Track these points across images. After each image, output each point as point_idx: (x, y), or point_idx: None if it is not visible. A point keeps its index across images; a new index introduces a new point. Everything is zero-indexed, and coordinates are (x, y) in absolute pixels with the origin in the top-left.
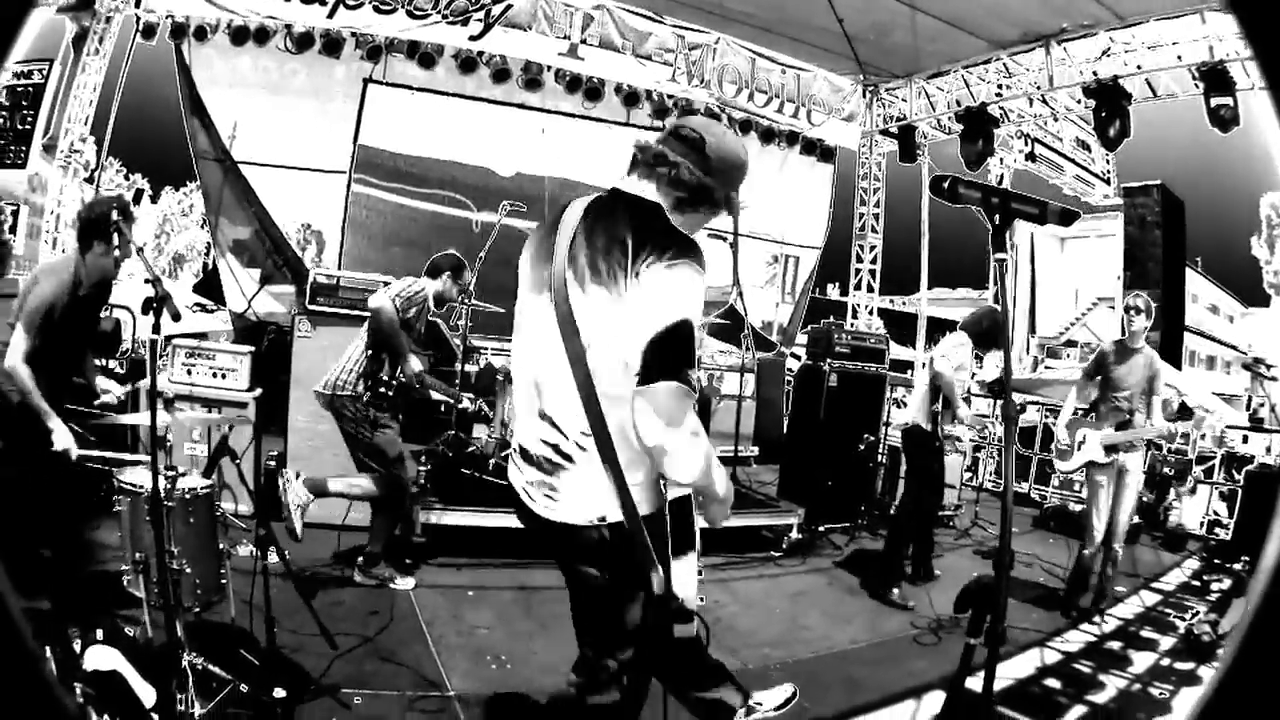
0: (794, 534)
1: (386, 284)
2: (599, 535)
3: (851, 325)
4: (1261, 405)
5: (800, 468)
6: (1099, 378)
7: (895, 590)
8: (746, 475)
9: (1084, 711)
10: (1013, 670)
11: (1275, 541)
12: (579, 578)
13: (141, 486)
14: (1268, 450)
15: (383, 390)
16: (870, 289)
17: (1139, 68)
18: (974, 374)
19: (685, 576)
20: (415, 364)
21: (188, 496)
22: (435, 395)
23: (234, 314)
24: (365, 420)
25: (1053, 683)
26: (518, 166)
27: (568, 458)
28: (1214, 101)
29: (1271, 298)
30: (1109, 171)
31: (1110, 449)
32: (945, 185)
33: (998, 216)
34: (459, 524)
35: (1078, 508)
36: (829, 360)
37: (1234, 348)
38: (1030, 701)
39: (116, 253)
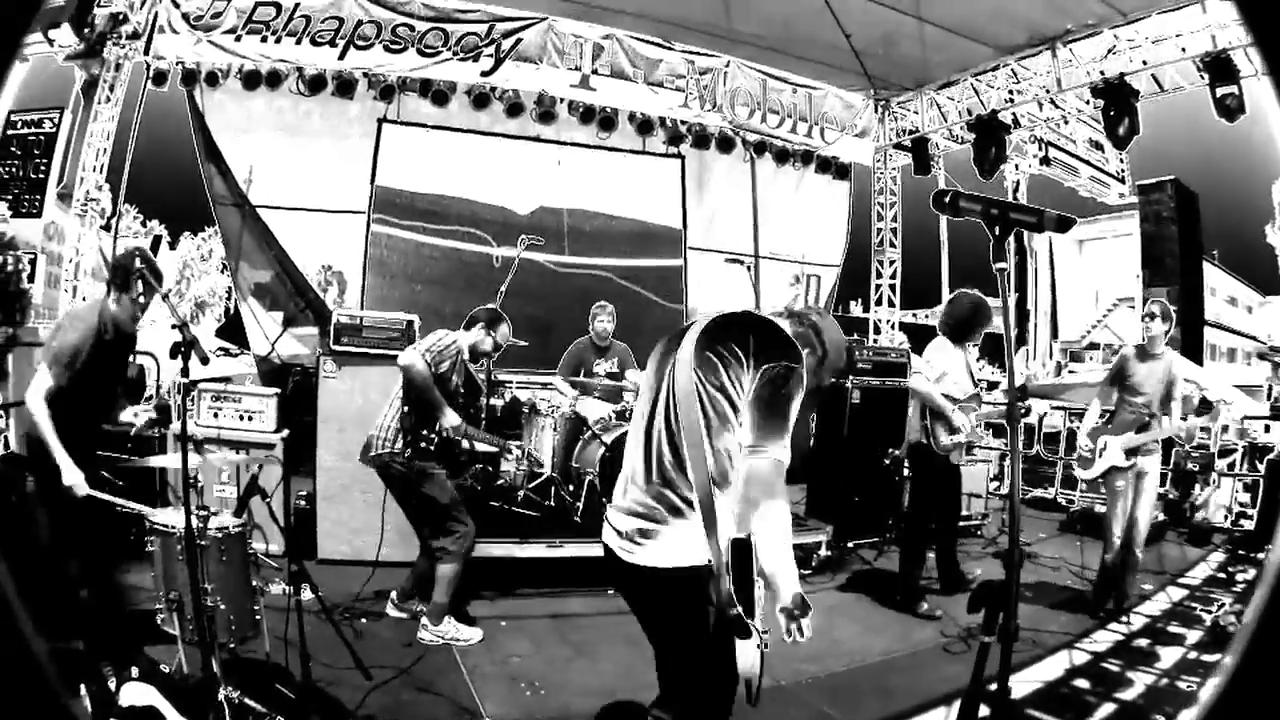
0: (823, 551)
1: (409, 323)
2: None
3: (874, 341)
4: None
5: (826, 485)
6: (1119, 384)
7: (923, 603)
8: None
9: (1113, 709)
10: (1041, 673)
11: (1276, 544)
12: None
13: (173, 527)
14: None
15: (423, 445)
16: (891, 304)
17: (1144, 63)
18: (974, 373)
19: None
20: (452, 418)
21: (220, 535)
22: (480, 446)
23: (258, 357)
24: (412, 474)
25: (1082, 683)
26: (536, 201)
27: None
28: (1219, 91)
29: None
30: (1123, 171)
31: (1130, 452)
32: (946, 200)
33: (998, 228)
34: (490, 555)
35: (1103, 509)
36: (851, 377)
37: (1254, 338)
38: (1060, 701)
39: (141, 299)
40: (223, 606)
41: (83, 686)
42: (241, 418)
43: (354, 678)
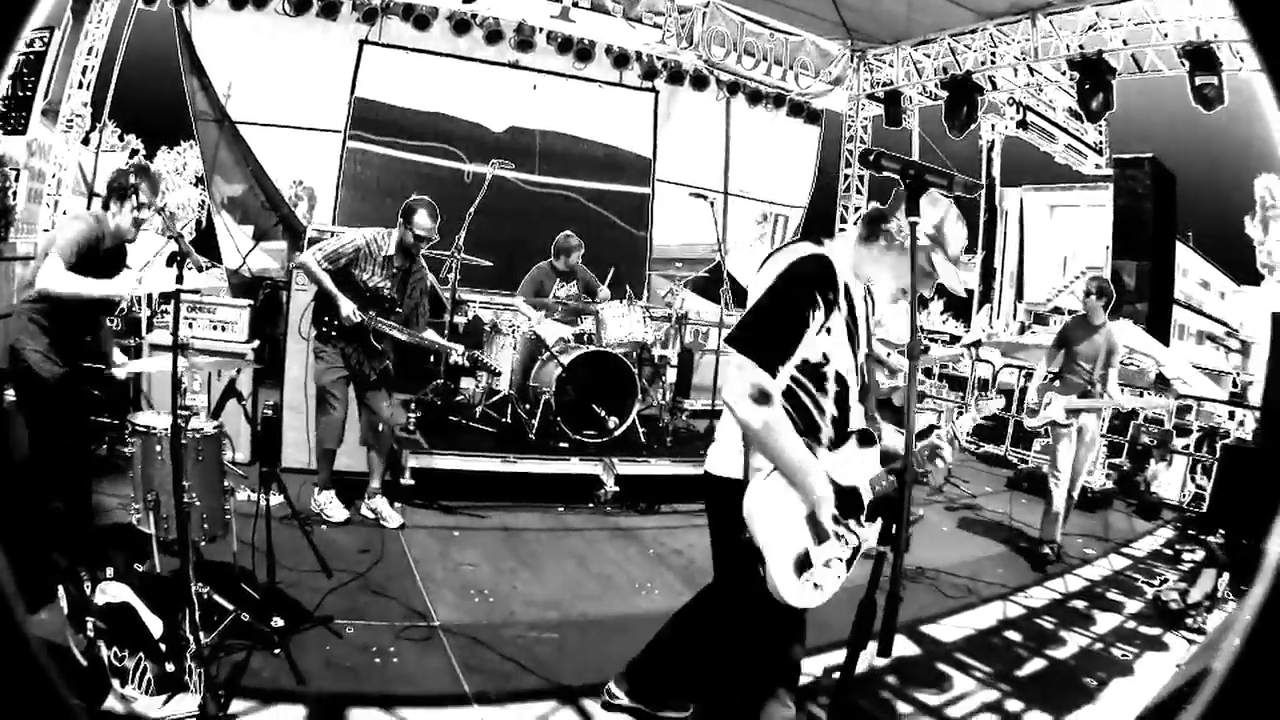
0: None
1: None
2: None
3: None
4: (1247, 382)
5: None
6: (1063, 349)
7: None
8: None
9: (1043, 665)
10: (973, 620)
11: (1277, 541)
12: None
13: (153, 428)
14: (1241, 424)
15: (324, 330)
16: None
17: (1125, 43)
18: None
19: None
20: (345, 308)
21: (197, 436)
22: (402, 338)
23: (229, 270)
24: (313, 357)
25: (1013, 635)
26: (510, 121)
27: None
28: (1198, 80)
29: (1264, 277)
30: (1102, 143)
31: (1071, 413)
32: (871, 158)
33: (913, 185)
34: (446, 468)
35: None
36: None
37: (1224, 324)
38: (989, 650)
39: (137, 213)
40: (198, 504)
41: (60, 589)
42: (215, 328)
43: (313, 580)
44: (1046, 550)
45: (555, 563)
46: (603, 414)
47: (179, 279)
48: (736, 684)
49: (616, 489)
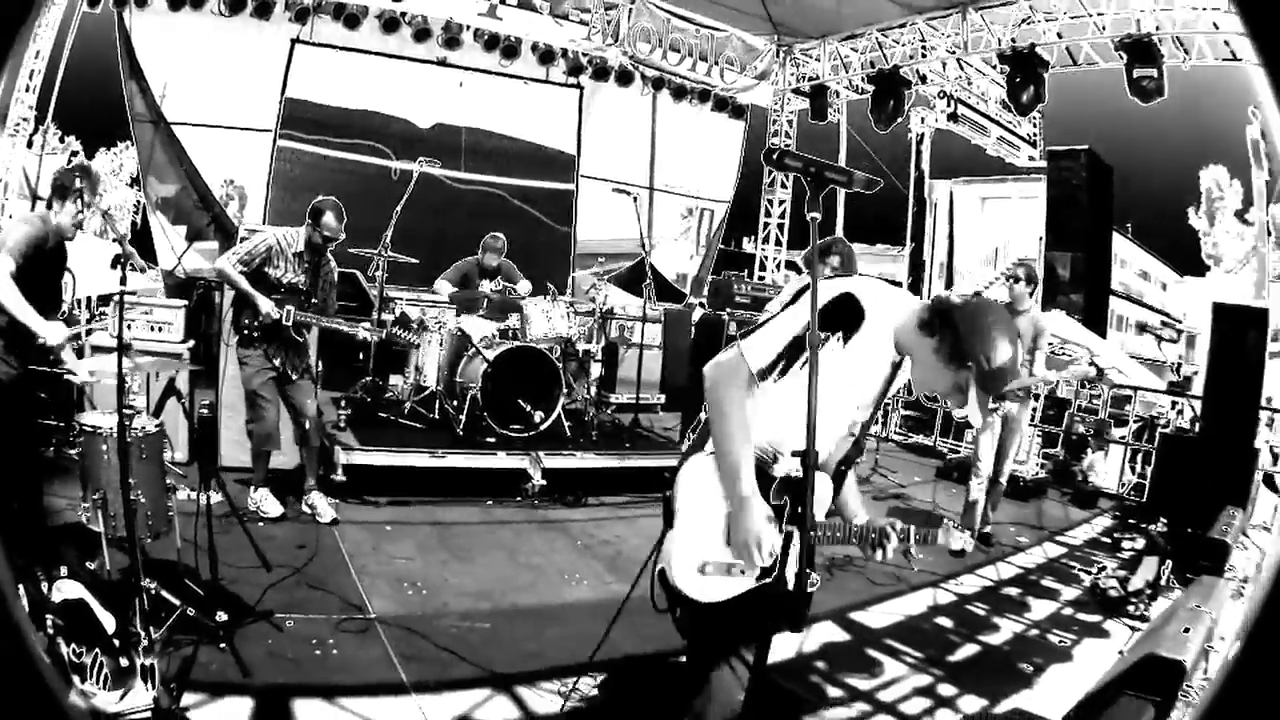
0: None
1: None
2: None
3: (760, 277)
4: (1191, 372)
5: (699, 412)
6: None
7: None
8: (651, 421)
9: (976, 651)
10: (903, 607)
11: (1275, 542)
12: None
13: (99, 428)
14: (1180, 414)
15: (245, 333)
16: (779, 242)
17: (1059, 36)
18: None
19: None
20: (264, 305)
21: (141, 434)
22: (323, 324)
23: (165, 271)
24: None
25: (944, 621)
26: (437, 118)
27: None
28: (1136, 73)
29: (1208, 269)
30: (1036, 135)
31: (998, 397)
32: (774, 156)
33: (814, 183)
34: (377, 464)
35: None
36: (729, 310)
37: (1166, 315)
38: (920, 635)
39: (78, 213)
40: (143, 501)
41: (21, 588)
42: (152, 328)
43: (253, 576)
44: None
45: (485, 555)
46: (528, 409)
47: (123, 280)
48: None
49: (543, 482)
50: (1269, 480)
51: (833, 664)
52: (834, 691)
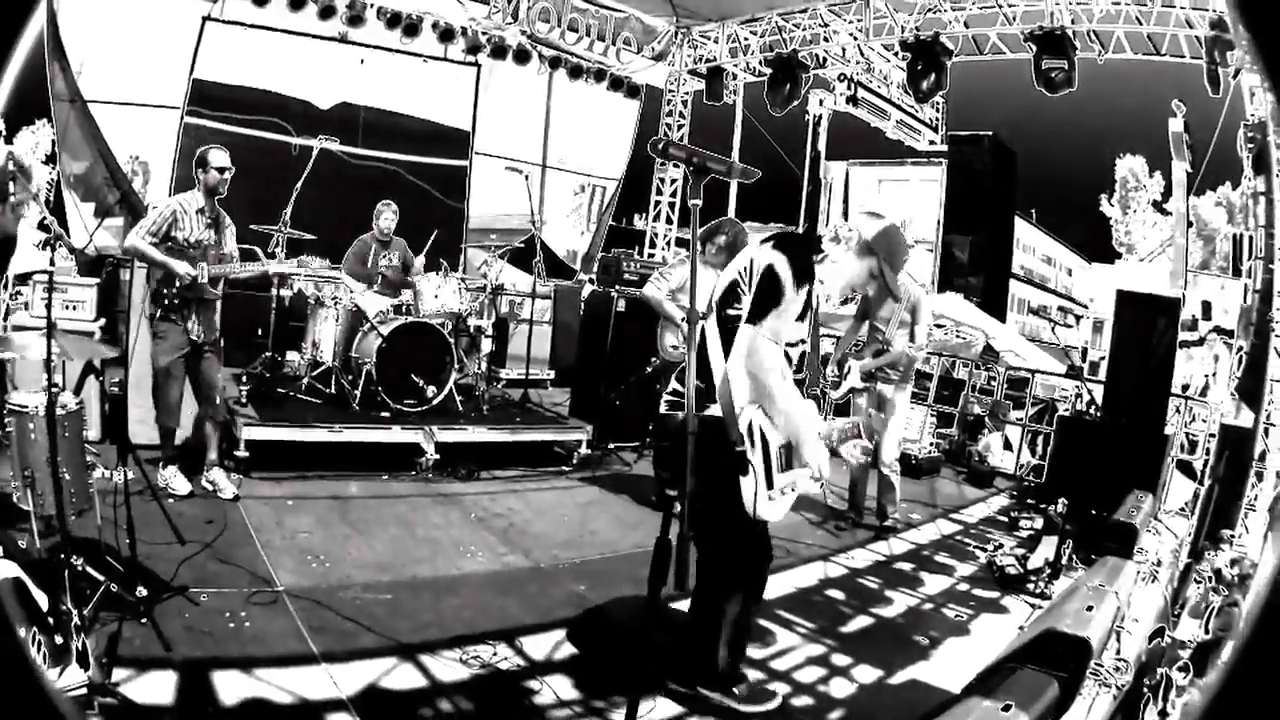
0: (583, 449)
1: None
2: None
3: (650, 255)
4: (1098, 358)
5: (590, 389)
6: (865, 319)
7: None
8: (540, 396)
9: (870, 622)
10: (795, 580)
11: (1274, 544)
12: None
13: (27, 406)
14: (1078, 397)
15: (165, 302)
16: (669, 220)
17: (965, 25)
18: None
19: None
20: (180, 268)
21: (63, 413)
22: (240, 274)
23: (76, 250)
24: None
25: (836, 594)
26: (338, 96)
27: None
28: (1045, 64)
29: (1119, 255)
30: (937, 119)
31: (869, 376)
32: (659, 147)
33: (695, 171)
34: (277, 439)
35: None
36: (617, 287)
37: (1070, 299)
38: (811, 607)
39: (15, 201)
40: (66, 478)
41: None
42: (66, 307)
43: (166, 552)
44: (843, 521)
45: (383, 528)
46: (421, 384)
47: (52, 261)
48: (709, 593)
49: (437, 456)
50: (1184, 466)
51: None
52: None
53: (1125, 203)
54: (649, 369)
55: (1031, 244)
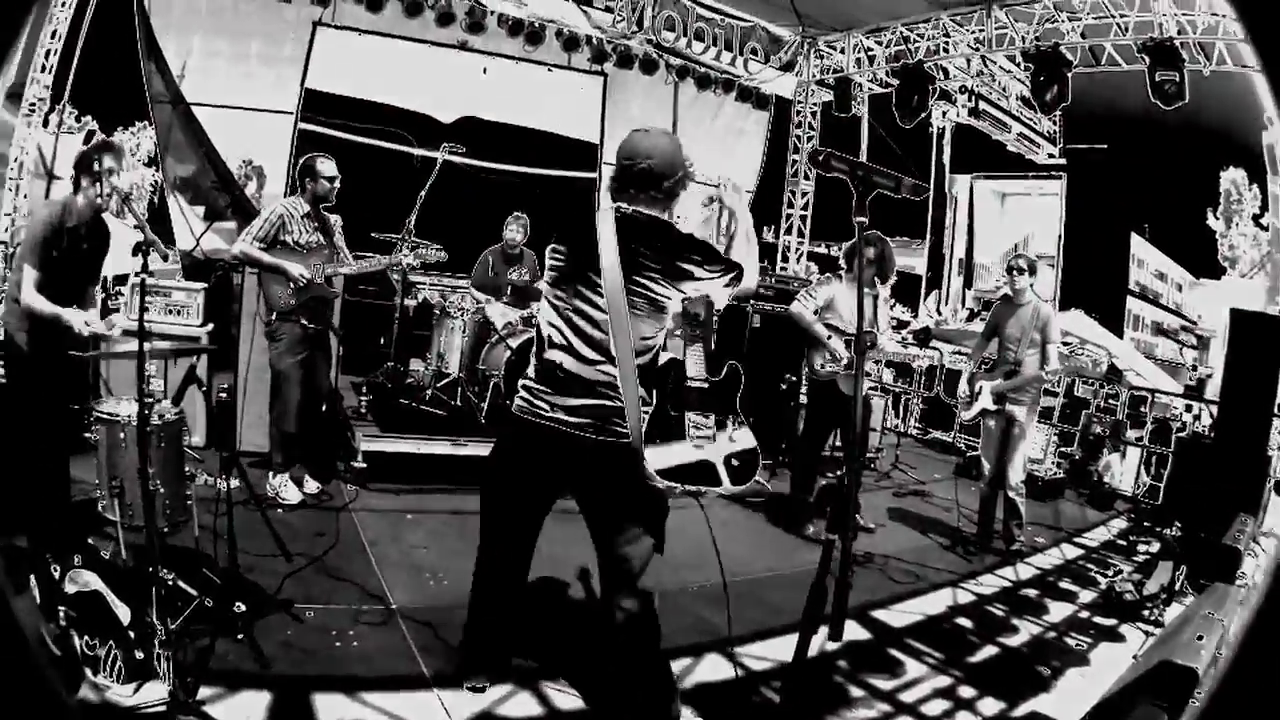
0: None
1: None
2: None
3: (782, 269)
4: (1205, 375)
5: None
6: (995, 336)
7: (809, 526)
8: None
9: (995, 652)
10: (923, 606)
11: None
12: None
13: (118, 416)
14: (1196, 418)
15: (282, 306)
16: (801, 234)
17: (1083, 36)
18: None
19: None
20: (294, 270)
21: (160, 423)
22: (351, 272)
23: (183, 252)
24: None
25: (964, 622)
26: (460, 107)
27: None
28: (1158, 76)
29: (1224, 271)
30: (1055, 132)
31: (999, 398)
32: (820, 158)
33: (861, 187)
34: (397, 451)
35: None
36: (752, 302)
37: (1181, 315)
38: (940, 636)
39: (97, 196)
40: (161, 490)
41: (32, 578)
42: (169, 312)
43: (272, 564)
44: (971, 545)
45: None
46: None
47: (144, 268)
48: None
49: None
50: None
51: (855, 663)
52: (857, 692)
53: (1229, 216)
54: (783, 385)
55: (1145, 258)
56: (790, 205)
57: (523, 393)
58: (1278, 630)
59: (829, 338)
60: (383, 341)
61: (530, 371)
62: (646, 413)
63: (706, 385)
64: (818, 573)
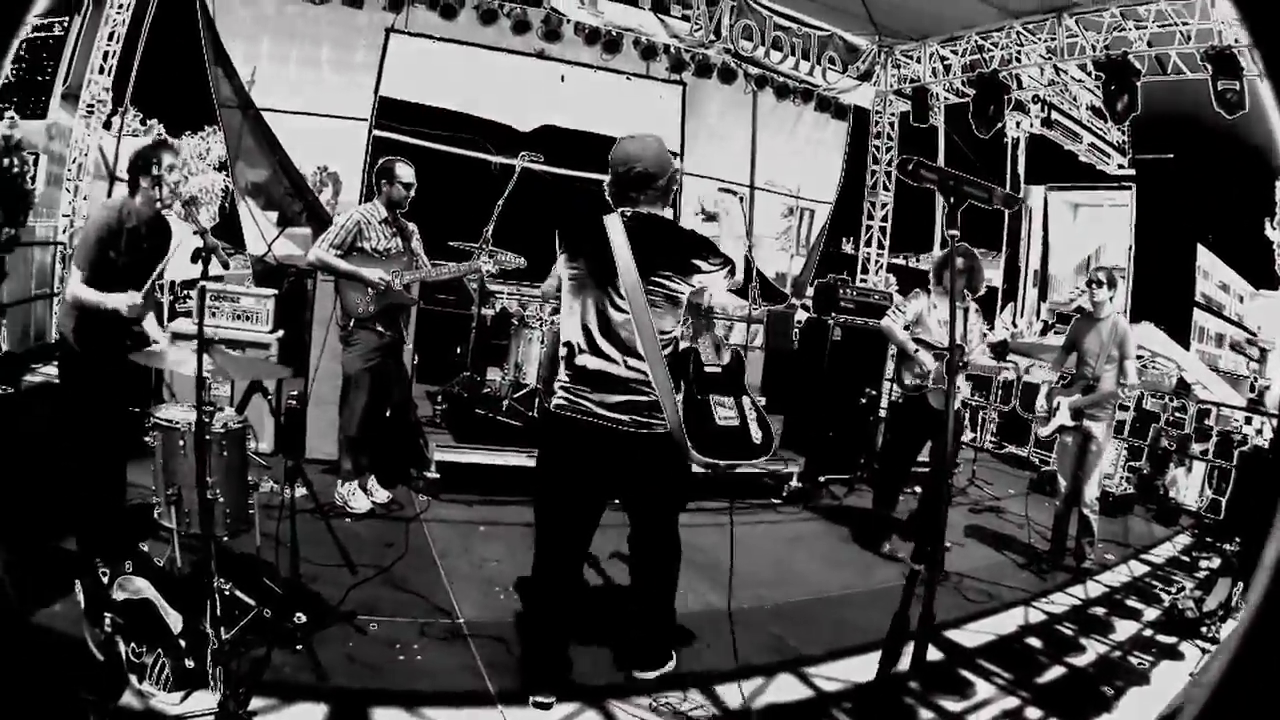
0: (794, 482)
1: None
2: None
3: (862, 281)
4: (1264, 387)
5: (803, 418)
6: (1073, 351)
7: (886, 544)
8: None
9: (1062, 673)
10: (995, 625)
11: (1275, 541)
12: None
13: (176, 422)
14: (1258, 432)
15: (360, 313)
16: (881, 245)
17: (1149, 45)
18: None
19: None
20: (372, 275)
21: (222, 431)
22: (429, 277)
23: (253, 257)
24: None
25: (1034, 641)
26: (538, 115)
27: None
28: (1220, 85)
29: None
30: (1124, 142)
31: (1077, 414)
32: (910, 168)
33: (952, 198)
34: (472, 462)
35: None
36: (834, 314)
37: (1243, 327)
38: (1010, 657)
39: (155, 198)
40: (221, 499)
41: (77, 582)
42: (238, 318)
43: (336, 575)
44: (1044, 562)
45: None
46: None
47: (204, 274)
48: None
49: None
50: None
51: (926, 684)
52: (926, 714)
53: None
54: (863, 399)
55: (1209, 269)
56: (870, 217)
57: (561, 394)
58: (1278, 630)
59: (916, 351)
60: (459, 351)
61: (564, 375)
62: (679, 403)
63: (720, 370)
64: (901, 603)
